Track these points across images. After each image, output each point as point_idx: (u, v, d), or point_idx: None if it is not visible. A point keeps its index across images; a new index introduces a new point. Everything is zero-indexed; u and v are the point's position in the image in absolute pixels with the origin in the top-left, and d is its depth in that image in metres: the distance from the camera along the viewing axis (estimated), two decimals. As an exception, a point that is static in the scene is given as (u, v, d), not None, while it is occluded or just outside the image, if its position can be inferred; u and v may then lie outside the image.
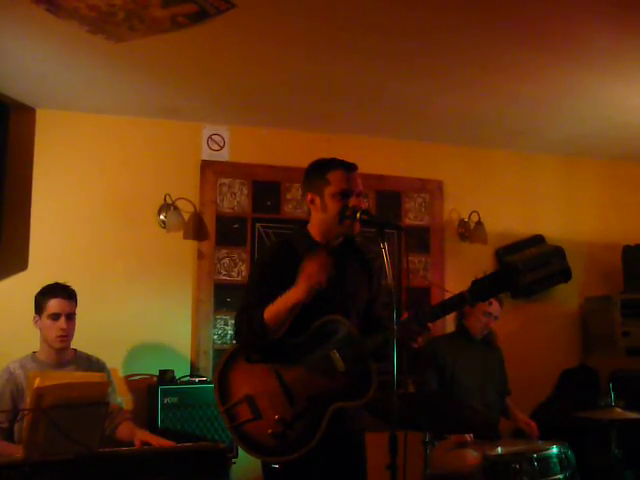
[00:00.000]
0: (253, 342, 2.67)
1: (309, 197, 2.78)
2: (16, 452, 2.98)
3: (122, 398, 3.77)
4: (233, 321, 2.87)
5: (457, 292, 2.63)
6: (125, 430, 3.38)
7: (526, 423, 4.10)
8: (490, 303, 4.04)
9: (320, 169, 2.76)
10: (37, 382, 2.43)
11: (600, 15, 3.20)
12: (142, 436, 3.20)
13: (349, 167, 2.73)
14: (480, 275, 2.64)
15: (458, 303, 2.65)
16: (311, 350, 2.66)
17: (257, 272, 2.83)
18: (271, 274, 2.71)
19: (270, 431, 2.60)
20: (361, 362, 2.62)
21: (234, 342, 2.88)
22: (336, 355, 2.63)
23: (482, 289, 2.59)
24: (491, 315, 4.11)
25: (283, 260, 2.73)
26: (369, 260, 2.90)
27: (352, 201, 2.68)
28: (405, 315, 2.63)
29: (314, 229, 2.80)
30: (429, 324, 2.64)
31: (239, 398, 2.67)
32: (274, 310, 2.59)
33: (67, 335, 3.43)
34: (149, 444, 3.14)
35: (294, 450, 2.58)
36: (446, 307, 2.66)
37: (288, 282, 2.62)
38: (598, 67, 3.75)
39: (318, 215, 2.77)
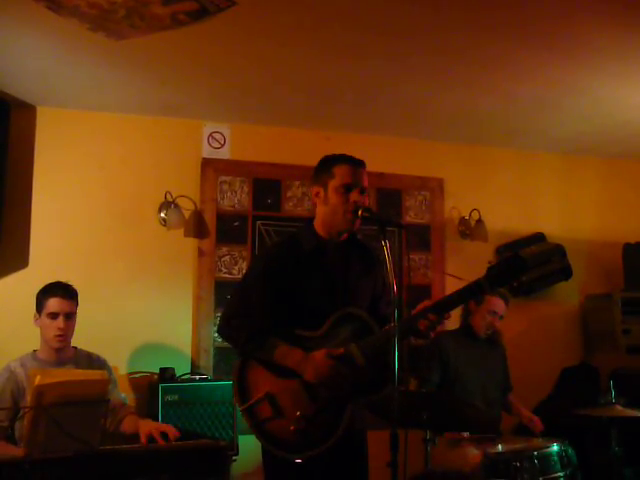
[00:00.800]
0: (248, 352, 2.71)
1: (314, 190, 2.80)
2: (15, 453, 3.00)
3: (125, 395, 3.77)
4: (221, 314, 2.91)
5: (473, 280, 2.62)
6: (129, 423, 3.37)
7: (529, 419, 4.10)
8: (495, 298, 4.06)
9: (327, 162, 2.78)
10: (37, 380, 2.43)
11: (600, 14, 3.21)
12: (145, 428, 3.20)
13: (356, 162, 2.75)
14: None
15: (475, 290, 2.63)
16: (330, 344, 2.65)
17: (258, 271, 2.80)
18: (273, 272, 2.71)
19: (292, 428, 2.61)
20: (381, 355, 2.60)
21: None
22: (356, 350, 2.63)
23: (498, 274, 2.58)
24: (496, 314, 4.11)
25: (288, 256, 2.75)
26: (374, 258, 2.89)
27: (353, 196, 2.68)
28: (423, 305, 2.62)
29: (318, 224, 2.81)
30: (446, 313, 2.63)
31: (259, 396, 2.68)
32: (269, 352, 2.65)
33: (65, 335, 3.42)
34: (154, 438, 3.12)
35: (317, 445, 2.60)
36: (463, 295, 2.63)
37: (291, 278, 2.65)
38: (598, 66, 3.75)
39: (321, 208, 2.78)
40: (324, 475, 2.69)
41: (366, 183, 2.74)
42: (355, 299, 2.78)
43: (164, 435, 3.04)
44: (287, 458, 2.63)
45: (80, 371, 3.30)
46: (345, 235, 2.80)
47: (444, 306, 2.62)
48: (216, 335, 4.44)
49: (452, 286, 4.78)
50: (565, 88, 4.07)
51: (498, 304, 4.09)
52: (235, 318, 2.74)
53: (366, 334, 2.65)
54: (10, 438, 3.27)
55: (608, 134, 4.88)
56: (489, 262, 2.67)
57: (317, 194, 2.79)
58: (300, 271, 2.72)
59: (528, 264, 2.60)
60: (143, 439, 3.09)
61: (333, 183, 2.72)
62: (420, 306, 2.62)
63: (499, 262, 2.63)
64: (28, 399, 2.48)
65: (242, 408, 2.71)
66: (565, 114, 4.51)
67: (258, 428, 2.67)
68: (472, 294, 2.66)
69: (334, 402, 2.62)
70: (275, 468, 2.71)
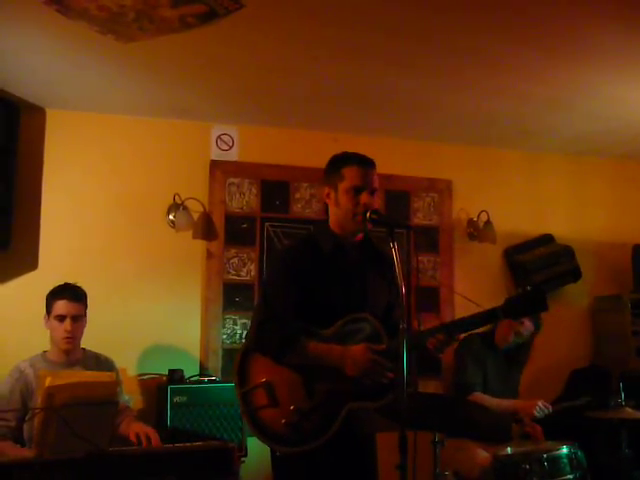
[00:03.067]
0: (281, 357, 2.66)
1: (326, 191, 2.79)
2: (23, 455, 3.02)
3: (129, 396, 3.78)
4: (251, 323, 2.87)
5: (489, 308, 2.62)
6: (125, 426, 3.39)
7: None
8: (522, 323, 4.05)
9: (337, 163, 2.76)
10: (48, 381, 2.44)
11: (611, 16, 3.20)
12: (136, 428, 3.24)
13: (365, 163, 2.72)
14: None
15: (490, 318, 2.62)
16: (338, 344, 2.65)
17: (281, 272, 2.78)
18: (293, 274, 2.70)
19: (284, 420, 2.61)
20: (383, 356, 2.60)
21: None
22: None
23: (515, 307, 2.58)
24: (522, 336, 4.11)
25: (307, 256, 2.74)
26: (390, 264, 2.83)
27: (363, 198, 2.66)
28: (435, 324, 2.62)
29: (333, 224, 2.80)
30: (457, 335, 2.62)
31: (257, 383, 2.68)
32: (307, 354, 2.62)
33: (72, 337, 3.44)
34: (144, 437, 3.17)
35: (305, 442, 2.59)
36: (476, 321, 2.62)
37: (311, 279, 2.66)
38: (610, 67, 3.74)
39: (333, 210, 2.78)
40: (332, 478, 2.68)
41: (376, 183, 2.72)
42: (370, 302, 2.77)
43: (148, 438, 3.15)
44: (272, 448, 2.65)
45: (90, 373, 3.32)
46: (360, 236, 2.79)
47: (455, 329, 2.61)
48: (224, 337, 4.46)
49: (460, 290, 4.85)
50: (577, 89, 4.06)
51: (527, 328, 4.09)
52: (265, 323, 2.70)
53: (374, 340, 2.64)
54: (18, 439, 3.30)
55: (619, 134, 4.86)
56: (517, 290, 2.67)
57: (328, 195, 2.78)
58: (319, 271, 2.71)
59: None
60: (133, 438, 3.16)
61: (343, 185, 2.70)
62: (432, 325, 2.62)
63: (519, 294, 2.62)
64: (39, 400, 2.49)
65: (239, 392, 2.71)
66: (577, 115, 4.49)
67: (250, 415, 2.67)
68: (485, 321, 2.64)
69: (330, 402, 2.61)
70: (282, 464, 2.70)
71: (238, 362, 2.75)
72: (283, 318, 2.67)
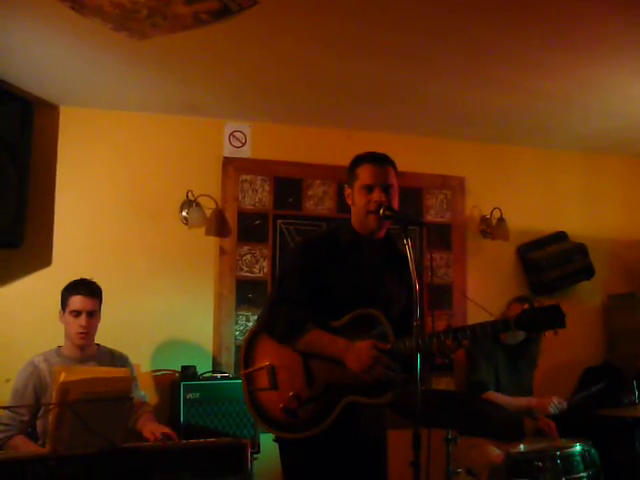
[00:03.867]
0: (287, 339, 2.68)
1: (347, 191, 2.83)
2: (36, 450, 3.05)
3: (145, 392, 3.80)
4: (263, 309, 2.92)
5: (501, 318, 2.58)
6: (142, 422, 3.41)
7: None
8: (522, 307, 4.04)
9: (353, 164, 2.80)
10: (63, 377, 2.45)
11: (627, 14, 3.18)
12: (151, 428, 3.25)
13: (378, 160, 2.74)
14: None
15: (501, 328, 2.57)
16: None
17: (299, 258, 2.82)
18: (311, 262, 2.73)
19: (281, 405, 2.65)
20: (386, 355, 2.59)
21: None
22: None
23: (529, 321, 2.53)
24: (515, 337, 4.11)
25: (325, 247, 2.78)
26: (408, 266, 2.82)
27: (375, 196, 2.67)
28: (443, 326, 2.59)
29: (354, 223, 2.82)
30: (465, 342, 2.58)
31: (262, 365, 2.73)
32: (312, 342, 2.64)
33: (87, 332, 3.46)
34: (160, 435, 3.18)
35: (299, 430, 2.63)
36: (487, 330, 2.55)
37: (327, 271, 2.69)
38: (624, 65, 3.73)
39: (353, 209, 2.81)
40: (339, 476, 2.70)
41: (391, 180, 2.72)
42: (383, 300, 2.77)
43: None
44: (266, 430, 2.72)
45: (105, 368, 3.34)
46: (380, 234, 2.79)
47: (464, 335, 2.55)
48: (237, 333, 4.46)
49: (473, 288, 4.84)
50: (593, 86, 4.04)
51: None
52: (276, 304, 2.75)
53: (381, 337, 2.64)
54: (31, 434, 3.32)
55: (634, 132, 4.82)
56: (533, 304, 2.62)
57: (348, 195, 2.82)
58: (335, 264, 2.73)
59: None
60: (149, 437, 3.18)
61: (357, 184, 2.74)
62: (442, 327, 2.59)
63: (536, 308, 2.59)
64: (53, 395, 2.50)
65: (243, 373, 2.77)
66: (592, 112, 4.46)
67: (251, 395, 2.73)
68: (496, 331, 2.57)
69: (329, 394, 2.63)
70: (290, 454, 2.73)
71: (246, 341, 2.82)
72: (295, 301, 2.70)
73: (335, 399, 2.62)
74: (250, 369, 2.75)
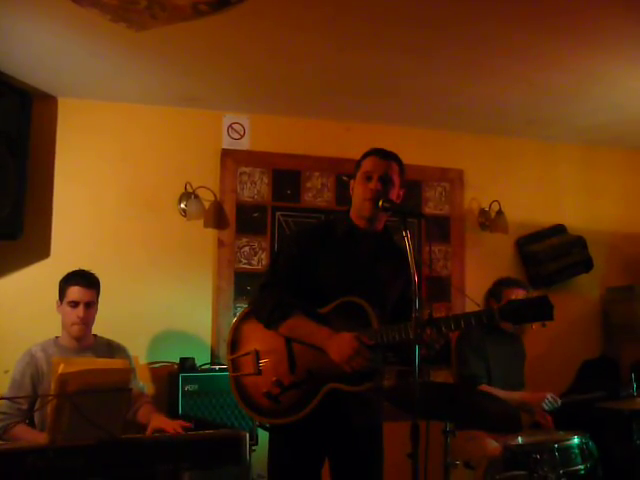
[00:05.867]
0: (272, 322, 2.71)
1: (351, 184, 2.86)
2: (39, 439, 3.04)
3: (144, 384, 3.80)
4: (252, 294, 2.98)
5: (486, 308, 2.56)
6: (144, 413, 3.41)
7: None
8: (517, 290, 4.03)
9: (361, 158, 2.84)
10: (61, 368, 2.45)
11: (628, 6, 3.18)
12: (155, 423, 3.22)
13: (382, 153, 2.79)
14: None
15: (485, 319, 2.53)
16: (327, 326, 2.65)
17: (290, 245, 2.85)
18: (304, 250, 2.76)
19: (264, 390, 2.68)
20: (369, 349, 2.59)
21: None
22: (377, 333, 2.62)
23: (514, 311, 2.50)
24: None
25: (320, 236, 2.81)
26: (405, 258, 2.79)
27: (371, 184, 2.71)
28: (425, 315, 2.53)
29: (352, 212, 2.84)
30: (448, 332, 2.55)
31: (247, 350, 2.76)
32: (296, 327, 2.67)
33: (84, 323, 3.46)
34: (161, 431, 3.14)
35: (281, 416, 2.66)
36: (471, 321, 2.52)
37: (320, 260, 2.72)
38: (625, 57, 3.72)
39: (353, 199, 2.84)
40: (322, 465, 2.75)
41: (391, 173, 2.75)
42: (375, 290, 2.76)
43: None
44: (250, 415, 2.81)
45: (103, 360, 3.34)
46: (378, 226, 2.81)
47: (445, 325, 2.51)
48: (236, 325, 4.46)
49: (472, 281, 4.84)
50: (593, 78, 4.02)
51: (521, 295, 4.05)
52: (265, 287, 2.78)
53: (364, 326, 2.63)
54: (31, 422, 3.33)
55: (634, 124, 4.81)
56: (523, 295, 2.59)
57: (352, 188, 2.85)
58: (328, 253, 2.76)
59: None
60: (149, 432, 3.13)
61: (359, 174, 2.79)
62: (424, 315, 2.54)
63: (522, 300, 2.53)
64: (52, 387, 2.50)
65: (229, 358, 2.80)
66: (592, 104, 4.44)
67: (236, 380, 2.77)
68: (479, 322, 2.52)
69: (311, 381, 2.64)
70: (271, 441, 2.79)
71: (232, 329, 2.85)
72: (284, 287, 2.73)
73: (317, 386, 2.63)
74: (236, 354, 2.78)
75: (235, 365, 2.79)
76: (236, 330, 2.84)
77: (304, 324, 2.66)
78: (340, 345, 2.57)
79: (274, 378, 2.67)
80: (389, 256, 2.83)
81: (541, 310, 2.49)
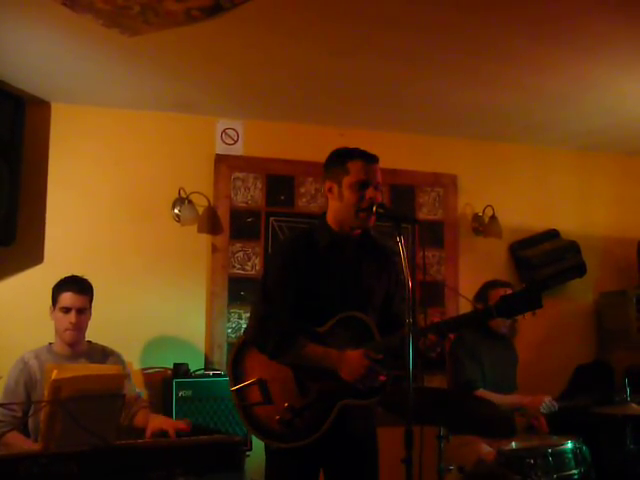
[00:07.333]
0: (278, 355, 2.68)
1: (327, 185, 2.77)
2: (30, 446, 3.02)
3: (139, 390, 3.79)
4: (249, 317, 2.91)
5: (484, 306, 2.61)
6: (141, 417, 3.39)
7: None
8: None
9: (341, 158, 2.74)
10: (54, 374, 2.43)
11: (620, 12, 3.19)
12: (155, 423, 3.21)
13: (370, 158, 2.72)
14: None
15: (483, 317, 2.64)
16: (329, 344, 2.66)
17: (278, 267, 2.78)
18: (292, 269, 2.71)
19: (278, 417, 2.65)
20: (377, 363, 2.61)
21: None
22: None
23: (510, 306, 2.58)
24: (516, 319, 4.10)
25: (303, 252, 2.74)
26: (388, 256, 2.86)
27: (369, 193, 2.66)
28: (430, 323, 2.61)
29: (331, 219, 2.78)
30: (450, 335, 2.62)
31: (252, 380, 2.72)
32: (303, 356, 2.65)
33: (77, 329, 3.45)
34: (162, 433, 3.13)
35: (299, 438, 2.63)
36: (470, 319, 2.62)
37: (307, 275, 2.67)
38: (618, 62, 3.74)
39: (335, 204, 2.75)
40: (330, 476, 2.75)
41: (380, 179, 2.73)
42: (367, 298, 2.78)
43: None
44: (266, 443, 2.72)
45: (97, 366, 3.33)
46: (359, 231, 2.79)
47: (447, 328, 2.59)
48: (229, 331, 4.46)
49: (465, 286, 4.84)
50: (587, 84, 4.04)
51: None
52: (266, 320, 2.71)
53: (367, 339, 2.65)
54: (23, 432, 3.31)
55: (627, 130, 4.83)
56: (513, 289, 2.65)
57: (330, 189, 2.75)
58: (315, 267, 2.72)
59: (548, 285, 2.58)
60: (148, 434, 3.12)
61: (348, 179, 2.69)
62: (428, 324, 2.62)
63: (514, 293, 2.64)
64: (45, 393, 2.49)
65: (233, 389, 2.76)
66: (586, 109, 4.46)
67: (245, 410, 2.73)
68: (479, 320, 2.65)
69: (323, 400, 2.64)
70: (275, 456, 2.74)
71: (233, 356, 2.81)
72: (283, 316, 2.68)
73: (330, 404, 2.63)
74: (240, 385, 2.74)
75: (241, 395, 2.75)
76: (236, 361, 2.80)
77: (311, 351, 2.65)
78: (351, 365, 2.58)
79: (286, 404, 2.65)
80: (371, 254, 2.83)
81: (531, 299, 2.57)
